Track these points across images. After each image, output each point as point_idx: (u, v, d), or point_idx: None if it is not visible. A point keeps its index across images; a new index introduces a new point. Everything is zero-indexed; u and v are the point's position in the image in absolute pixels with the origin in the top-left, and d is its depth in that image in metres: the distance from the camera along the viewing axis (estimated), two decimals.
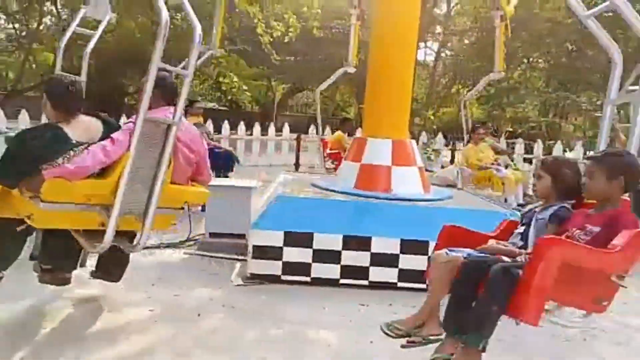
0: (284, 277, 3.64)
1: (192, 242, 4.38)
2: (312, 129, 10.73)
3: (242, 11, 9.48)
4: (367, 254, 3.67)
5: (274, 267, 3.64)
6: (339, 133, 7.68)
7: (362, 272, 3.68)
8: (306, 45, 11.96)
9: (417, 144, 10.29)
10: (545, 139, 10.60)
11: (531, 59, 13.76)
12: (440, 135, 10.74)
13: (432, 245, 3.63)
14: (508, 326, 2.14)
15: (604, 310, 2.15)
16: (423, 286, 3.64)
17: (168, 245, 4.37)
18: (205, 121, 7.78)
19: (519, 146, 9.78)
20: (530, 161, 9.04)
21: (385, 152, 4.39)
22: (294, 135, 10.49)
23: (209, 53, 5.03)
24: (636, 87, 3.99)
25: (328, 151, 7.62)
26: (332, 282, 3.66)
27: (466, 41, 14.11)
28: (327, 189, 4.39)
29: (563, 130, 14.41)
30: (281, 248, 3.63)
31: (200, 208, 4.48)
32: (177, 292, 3.39)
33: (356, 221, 3.84)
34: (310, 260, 3.65)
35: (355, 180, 4.41)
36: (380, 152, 4.40)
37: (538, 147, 9.29)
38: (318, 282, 3.66)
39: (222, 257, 4.12)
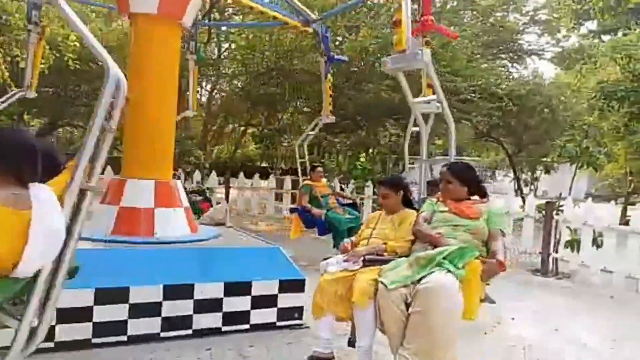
0: None
1: None
2: None
3: None
4: (125, 306, 3.37)
5: None
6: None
7: (119, 327, 3.35)
8: (62, 78, 10.81)
9: (192, 182, 10.29)
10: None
11: (297, 105, 15.05)
12: (213, 173, 10.82)
13: (197, 287, 3.59)
14: None
15: None
16: (186, 332, 3.55)
17: None
18: None
19: (286, 181, 10.54)
20: None
21: (147, 194, 4.16)
22: None
23: None
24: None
25: None
26: (79, 345, 3.23)
27: (238, 84, 14.68)
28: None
29: (327, 167, 16.24)
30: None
31: None
32: None
33: (112, 272, 3.50)
34: (53, 323, 3.17)
35: (113, 225, 4.05)
36: (142, 193, 4.16)
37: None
38: (63, 346, 3.19)
39: None
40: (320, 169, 7.39)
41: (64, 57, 8.22)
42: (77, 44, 8.07)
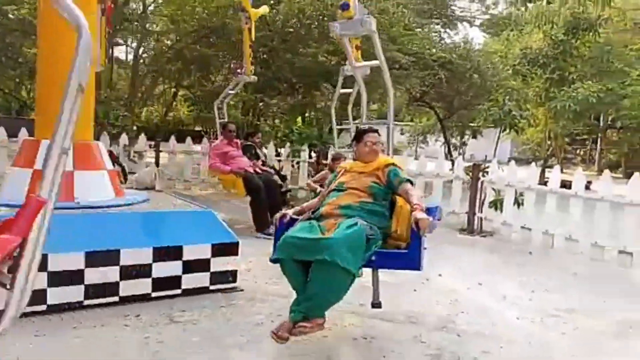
0: None
1: None
2: None
3: None
4: (44, 274, 3.16)
5: None
6: None
7: (38, 297, 3.14)
8: None
9: (119, 146, 9.74)
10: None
11: (231, 66, 14.53)
12: (142, 136, 10.30)
13: (123, 253, 3.42)
14: None
15: None
16: (112, 299, 3.40)
17: None
18: None
19: None
20: None
21: None
22: None
23: None
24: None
25: None
26: None
27: (167, 42, 13.92)
28: None
29: (262, 130, 15.96)
30: None
31: None
32: None
33: None
34: None
35: (27, 189, 3.74)
36: None
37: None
38: None
39: None
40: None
41: None
42: None
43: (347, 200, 3.11)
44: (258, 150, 7.46)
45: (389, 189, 3.20)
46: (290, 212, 3.37)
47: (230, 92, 7.93)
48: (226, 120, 7.76)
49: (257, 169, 6.58)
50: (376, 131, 3.44)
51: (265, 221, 5.92)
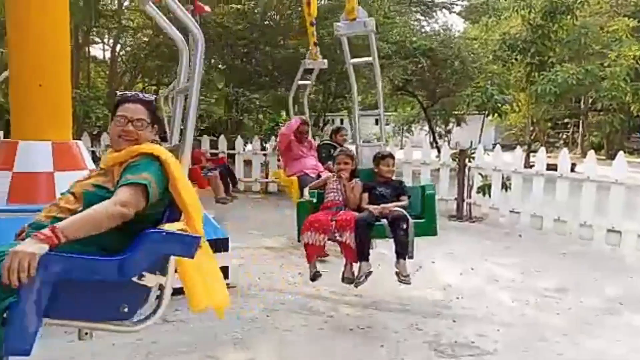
0: None
1: None
2: None
3: None
4: None
5: None
6: None
7: None
8: None
9: (100, 146, 9.55)
10: (228, 133, 11.20)
11: (213, 61, 14.35)
12: None
13: None
14: None
15: None
16: None
17: None
18: None
19: (204, 141, 10.10)
20: (216, 155, 9.35)
21: (45, 157, 3.74)
22: None
23: None
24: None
25: None
26: None
27: (145, 38, 13.67)
28: None
29: (245, 126, 15.75)
30: None
31: None
32: None
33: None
34: None
35: (8, 193, 3.62)
36: (38, 157, 3.73)
37: (222, 142, 9.76)
38: None
39: None
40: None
41: None
42: None
43: None
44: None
45: None
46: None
47: (303, 82, 7.04)
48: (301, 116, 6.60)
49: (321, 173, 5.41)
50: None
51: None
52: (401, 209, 3.46)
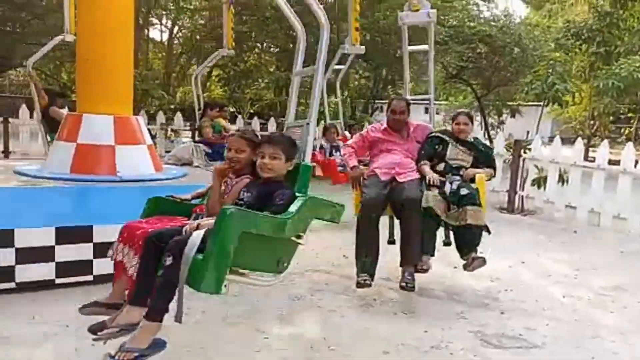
0: None
1: None
2: (22, 111, 9.07)
3: None
4: (90, 245, 3.23)
5: None
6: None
7: (84, 267, 3.22)
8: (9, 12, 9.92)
9: (156, 124, 9.89)
10: (278, 116, 11.29)
11: (264, 45, 14.48)
12: (179, 114, 10.42)
13: None
14: None
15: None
16: None
17: None
18: None
19: (254, 123, 10.24)
20: None
21: (107, 130, 3.91)
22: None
23: None
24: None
25: None
26: (45, 284, 3.10)
27: (201, 21, 13.94)
28: (35, 176, 3.69)
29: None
30: None
31: None
32: None
33: (73, 210, 3.33)
34: (13, 262, 3.01)
35: (71, 163, 3.82)
36: (101, 130, 3.90)
37: (271, 124, 9.88)
38: (27, 287, 3.05)
39: None
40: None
41: None
42: None
43: None
44: None
45: None
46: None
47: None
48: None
49: None
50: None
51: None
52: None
